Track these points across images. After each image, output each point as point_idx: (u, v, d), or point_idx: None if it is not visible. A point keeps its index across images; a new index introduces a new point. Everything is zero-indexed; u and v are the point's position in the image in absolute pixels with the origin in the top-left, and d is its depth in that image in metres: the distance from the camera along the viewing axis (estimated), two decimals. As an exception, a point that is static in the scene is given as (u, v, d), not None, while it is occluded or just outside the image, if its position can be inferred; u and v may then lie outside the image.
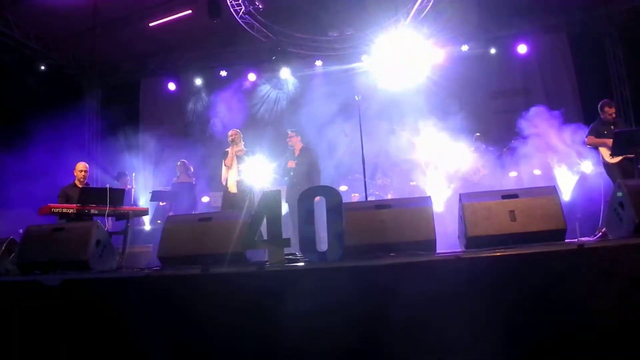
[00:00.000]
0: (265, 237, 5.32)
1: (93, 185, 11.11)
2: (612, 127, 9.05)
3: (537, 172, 11.29)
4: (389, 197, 11.49)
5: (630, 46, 12.53)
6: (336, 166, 11.68)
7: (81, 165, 9.50)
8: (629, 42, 12.60)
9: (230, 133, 9.73)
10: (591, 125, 9.43)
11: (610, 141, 8.81)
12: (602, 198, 8.79)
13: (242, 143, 9.69)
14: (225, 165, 9.55)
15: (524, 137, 11.09)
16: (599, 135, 9.14)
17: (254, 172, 9.53)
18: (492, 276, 4.00)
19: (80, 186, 9.26)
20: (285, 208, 9.31)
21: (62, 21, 12.52)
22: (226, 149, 9.67)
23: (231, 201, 9.34)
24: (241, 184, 9.37)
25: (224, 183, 9.65)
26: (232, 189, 9.38)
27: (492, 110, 13.92)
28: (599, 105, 9.32)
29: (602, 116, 9.27)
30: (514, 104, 13.43)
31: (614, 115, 9.24)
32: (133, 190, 11.37)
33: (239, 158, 9.49)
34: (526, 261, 4.04)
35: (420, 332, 3.91)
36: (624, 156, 8.64)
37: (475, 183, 11.04)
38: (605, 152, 9.01)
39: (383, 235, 5.21)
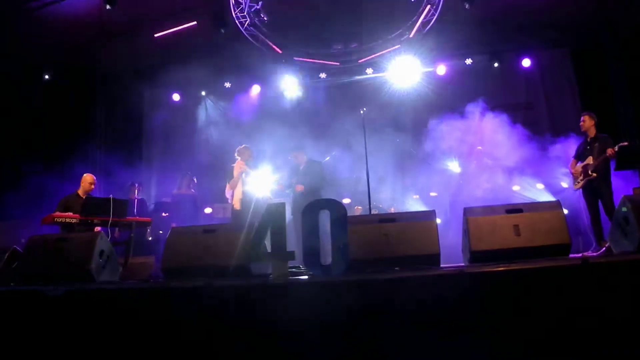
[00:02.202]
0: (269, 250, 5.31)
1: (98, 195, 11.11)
2: (589, 142, 8.84)
3: (539, 186, 11.30)
4: (392, 210, 11.48)
5: (634, 63, 12.51)
6: (339, 179, 11.71)
7: (90, 178, 9.48)
8: (632, 58, 12.59)
9: (238, 149, 9.79)
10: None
11: (575, 171, 8.81)
12: (585, 217, 8.80)
13: (251, 159, 9.76)
14: (228, 185, 9.62)
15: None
16: (578, 154, 8.99)
17: (257, 184, 9.56)
18: (496, 291, 3.99)
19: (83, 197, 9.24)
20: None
21: (67, 32, 12.56)
22: (232, 164, 9.69)
23: (236, 217, 9.41)
24: (243, 199, 9.40)
25: (229, 200, 9.73)
26: (237, 205, 9.44)
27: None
28: None
29: None
30: (516, 118, 13.42)
31: (581, 125, 8.96)
32: (136, 200, 11.35)
33: (243, 175, 9.54)
34: (530, 276, 4.03)
35: (424, 347, 3.89)
36: (586, 179, 8.51)
37: (478, 197, 11.03)
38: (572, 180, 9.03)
39: (387, 249, 5.21)
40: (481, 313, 3.90)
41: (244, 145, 9.91)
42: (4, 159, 12.52)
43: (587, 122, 8.85)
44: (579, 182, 8.67)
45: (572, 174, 8.94)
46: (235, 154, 9.78)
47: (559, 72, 13.75)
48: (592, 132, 8.84)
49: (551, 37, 13.40)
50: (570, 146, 10.10)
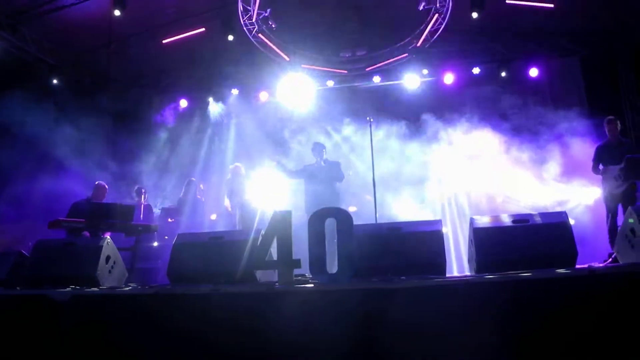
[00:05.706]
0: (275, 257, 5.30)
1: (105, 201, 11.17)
2: (615, 147, 8.63)
3: (546, 195, 11.26)
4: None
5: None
6: (345, 186, 11.69)
7: (102, 186, 9.52)
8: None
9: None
10: (596, 147, 9.02)
11: (608, 172, 8.53)
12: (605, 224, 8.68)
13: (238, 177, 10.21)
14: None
15: None
16: (600, 159, 8.77)
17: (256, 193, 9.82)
18: (502, 301, 3.98)
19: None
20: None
21: (77, 36, 12.64)
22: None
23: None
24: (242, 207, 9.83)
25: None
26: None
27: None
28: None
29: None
30: (523, 127, 13.36)
31: (611, 133, 8.76)
32: (142, 206, 11.36)
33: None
34: (536, 286, 4.02)
35: (428, 356, 3.89)
36: (629, 183, 8.13)
37: (485, 207, 11.04)
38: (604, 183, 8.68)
39: (393, 258, 5.20)
40: (487, 323, 3.89)
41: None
42: (15, 163, 12.55)
43: (617, 127, 8.75)
44: (620, 185, 8.22)
45: (603, 176, 8.62)
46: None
47: (568, 80, 13.70)
48: (617, 137, 8.75)
49: (560, 45, 13.38)
50: (577, 155, 10.09)
